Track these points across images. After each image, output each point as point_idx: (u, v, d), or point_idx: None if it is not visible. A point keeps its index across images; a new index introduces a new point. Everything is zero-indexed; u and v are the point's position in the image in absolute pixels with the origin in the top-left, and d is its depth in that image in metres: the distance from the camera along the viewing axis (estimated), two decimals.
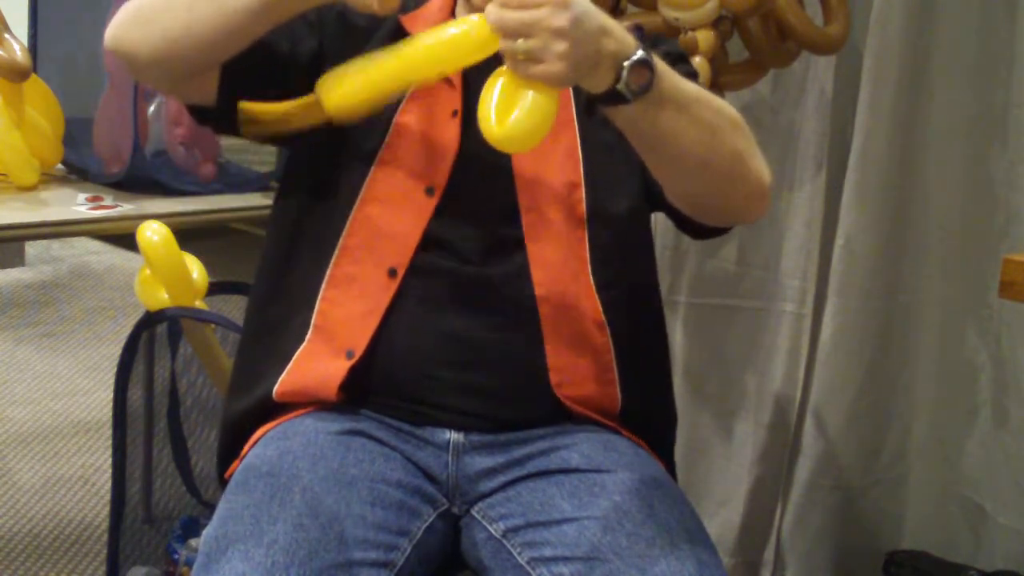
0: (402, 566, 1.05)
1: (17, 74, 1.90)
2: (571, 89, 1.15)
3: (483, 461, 1.16)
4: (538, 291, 1.17)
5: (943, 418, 1.94)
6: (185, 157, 2.08)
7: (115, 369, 1.71)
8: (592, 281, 1.19)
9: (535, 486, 1.13)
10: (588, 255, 1.19)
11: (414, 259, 1.17)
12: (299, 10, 1.11)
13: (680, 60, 1.28)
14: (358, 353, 1.15)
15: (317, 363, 1.17)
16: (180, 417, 1.83)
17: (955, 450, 1.92)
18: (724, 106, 1.09)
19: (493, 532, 1.12)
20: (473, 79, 1.15)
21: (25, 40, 2.14)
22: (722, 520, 2.07)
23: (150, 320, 1.67)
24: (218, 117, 1.20)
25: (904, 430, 1.97)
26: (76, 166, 2.13)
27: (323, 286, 1.18)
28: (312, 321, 1.18)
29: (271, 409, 1.20)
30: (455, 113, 1.20)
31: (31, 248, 4.15)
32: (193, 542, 1.71)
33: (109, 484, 1.76)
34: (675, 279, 2.05)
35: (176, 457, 1.83)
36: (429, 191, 1.18)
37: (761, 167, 1.12)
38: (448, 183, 1.18)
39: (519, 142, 0.97)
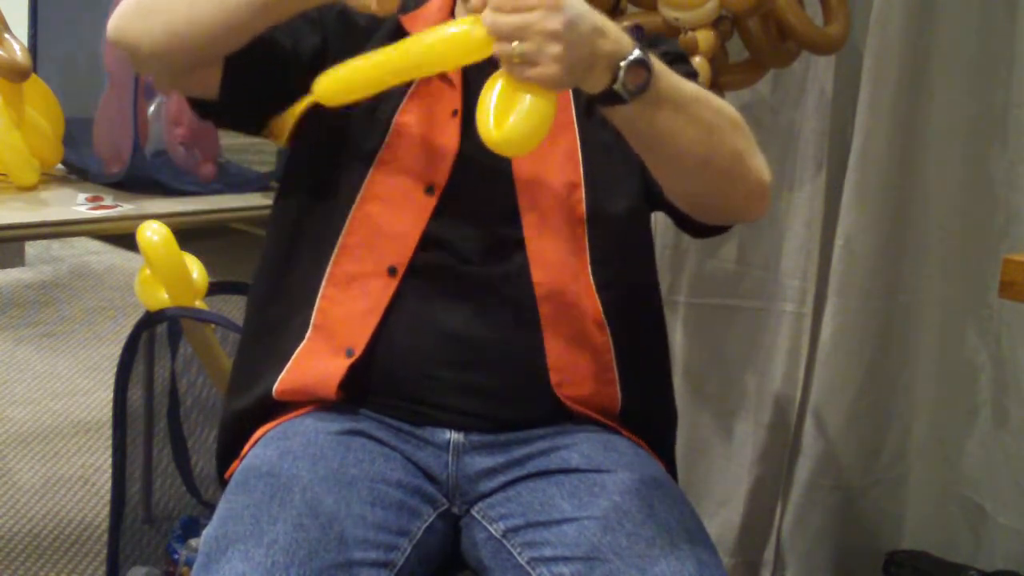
0: (402, 566, 1.05)
1: (17, 74, 1.90)
2: (571, 90, 1.15)
3: (483, 461, 1.16)
4: (538, 291, 1.17)
5: (943, 418, 1.94)
6: (185, 157, 2.08)
7: (115, 369, 1.71)
8: (592, 281, 1.19)
9: (535, 486, 1.13)
10: (588, 255, 1.19)
11: (414, 259, 1.17)
12: (300, 9, 1.11)
13: (680, 60, 1.29)
14: (358, 352, 1.15)
15: (317, 362, 1.17)
16: (180, 417, 1.83)
17: (955, 450, 1.92)
18: (723, 105, 1.09)
19: (493, 532, 1.12)
20: (473, 79, 1.15)
21: (25, 40, 2.14)
22: (722, 520, 2.07)
23: (150, 320, 1.67)
24: (220, 112, 1.20)
25: (904, 430, 1.97)
26: (76, 166, 2.13)
27: (323, 285, 1.18)
28: (312, 320, 1.18)
29: (271, 408, 1.20)
30: (455, 113, 1.20)
31: (31, 248, 4.15)
32: (193, 542, 1.71)
33: (109, 484, 1.76)
34: (675, 279, 2.05)
35: (176, 457, 1.83)
36: (429, 190, 1.18)
37: (761, 166, 1.12)
38: (448, 183, 1.18)
39: (517, 145, 0.97)
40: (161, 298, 1.64)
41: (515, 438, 1.17)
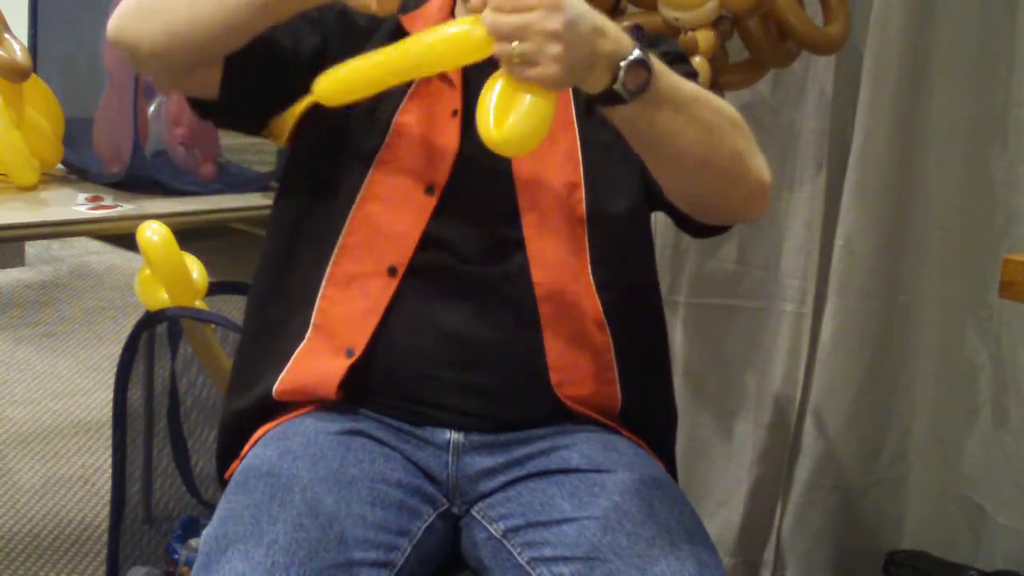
0: (402, 566, 1.05)
1: (17, 74, 1.90)
2: (571, 90, 1.15)
3: (483, 461, 1.16)
4: (538, 291, 1.17)
5: (943, 418, 1.94)
6: (185, 157, 2.08)
7: (115, 369, 1.71)
8: (592, 281, 1.19)
9: (535, 486, 1.13)
10: (588, 255, 1.19)
11: (414, 259, 1.17)
12: (300, 9, 1.11)
13: (679, 60, 1.29)
14: (358, 352, 1.15)
15: (317, 361, 1.17)
16: (180, 417, 1.83)
17: (955, 450, 1.92)
18: (723, 105, 1.09)
19: (493, 532, 1.12)
20: (473, 78, 1.15)
21: (25, 40, 2.14)
22: (722, 520, 2.07)
23: (150, 320, 1.67)
24: (220, 112, 1.20)
25: (904, 430, 1.97)
26: (76, 166, 2.13)
27: (323, 285, 1.18)
28: (312, 320, 1.18)
29: (271, 408, 1.20)
30: (455, 113, 1.20)
31: (31, 248, 4.15)
32: (193, 542, 1.70)
33: (109, 484, 1.76)
34: (675, 279, 2.05)
35: (176, 457, 1.83)
36: (429, 190, 1.18)
37: (761, 166, 1.12)
38: (448, 182, 1.18)
39: (517, 145, 0.97)
40: (161, 298, 1.64)
41: (515, 438, 1.17)
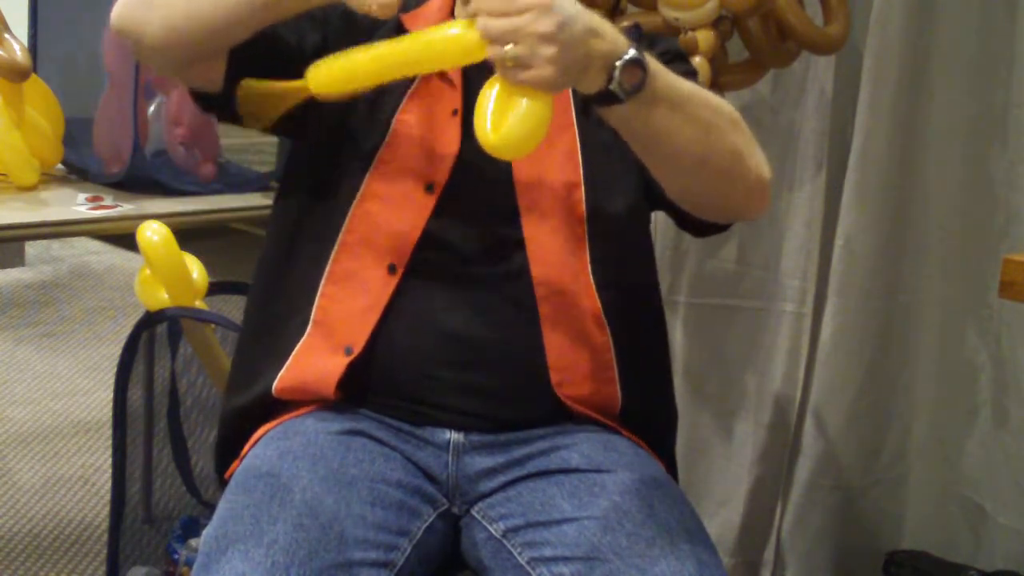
0: (402, 566, 1.05)
1: (17, 74, 1.90)
2: (571, 90, 1.15)
3: (483, 461, 1.16)
4: (538, 291, 1.17)
5: (943, 418, 1.94)
6: (185, 157, 2.08)
7: (115, 369, 1.71)
8: (592, 280, 1.19)
9: (535, 486, 1.13)
10: (588, 255, 1.19)
11: (414, 259, 1.17)
12: (300, 9, 1.11)
13: (678, 59, 1.29)
14: (357, 350, 1.15)
15: (316, 359, 1.17)
16: (180, 417, 1.83)
17: (955, 450, 1.92)
18: (721, 103, 1.09)
19: (493, 532, 1.12)
20: (474, 78, 1.15)
21: (25, 40, 2.14)
22: (722, 520, 2.07)
23: (150, 320, 1.67)
24: (222, 105, 1.20)
25: (904, 430, 1.97)
26: (76, 166, 2.13)
27: (322, 282, 1.18)
28: (312, 317, 1.18)
29: (270, 406, 1.20)
30: (455, 112, 1.20)
31: (31, 248, 4.15)
32: (193, 542, 1.71)
33: (109, 484, 1.76)
34: (675, 279, 2.05)
35: (176, 457, 1.83)
36: (429, 189, 1.18)
37: (760, 163, 1.12)
38: (448, 182, 1.18)
39: (515, 149, 0.98)
40: (161, 298, 1.64)
41: (515, 438, 1.17)
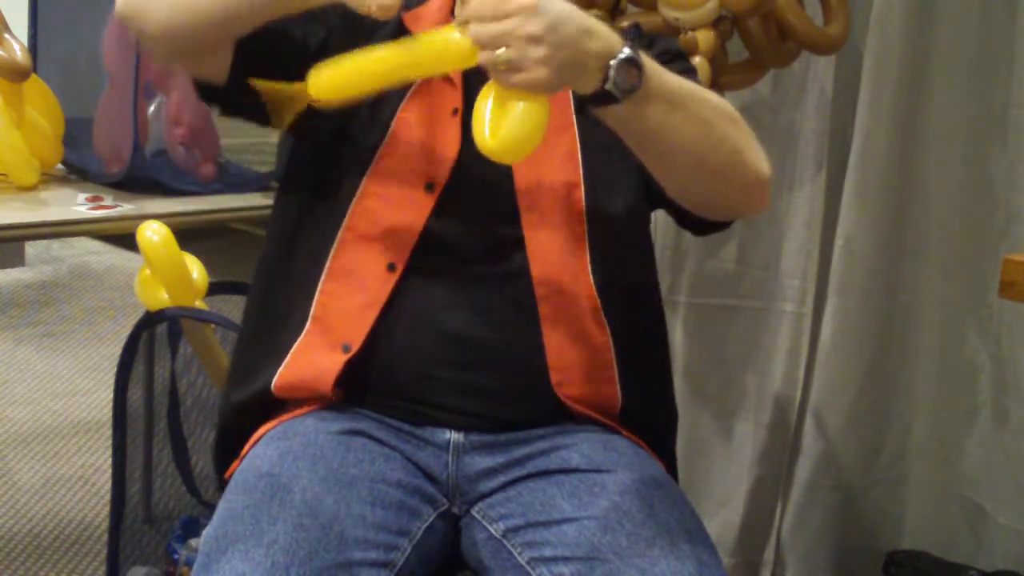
0: (402, 566, 1.05)
1: (17, 74, 1.90)
2: (572, 91, 1.15)
3: (483, 461, 1.16)
4: (538, 290, 1.17)
5: (943, 418, 1.94)
6: (185, 157, 2.08)
7: (115, 369, 1.71)
8: (592, 280, 1.19)
9: (535, 486, 1.13)
10: (588, 255, 1.19)
11: (414, 258, 1.17)
12: (299, 8, 1.11)
13: (678, 58, 1.29)
14: (355, 348, 1.15)
15: (314, 356, 1.17)
16: (180, 417, 1.83)
17: (955, 450, 1.92)
18: (718, 101, 1.09)
19: (493, 532, 1.12)
20: (474, 77, 1.15)
21: (25, 40, 2.14)
22: (722, 520, 2.07)
23: (150, 320, 1.67)
24: (225, 97, 1.19)
25: (904, 430, 1.97)
26: (76, 166, 2.13)
27: (322, 279, 1.18)
28: (311, 313, 1.18)
29: (270, 404, 1.20)
30: (456, 112, 1.20)
31: (31, 248, 4.15)
32: (193, 542, 1.71)
33: (109, 484, 1.76)
34: (675, 279, 2.05)
35: (176, 457, 1.83)
36: (429, 188, 1.18)
37: (759, 160, 1.12)
38: (448, 181, 1.18)
39: (513, 152, 0.98)
40: (161, 298, 1.64)
41: (515, 438, 1.17)
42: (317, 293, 1.18)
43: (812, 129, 1.91)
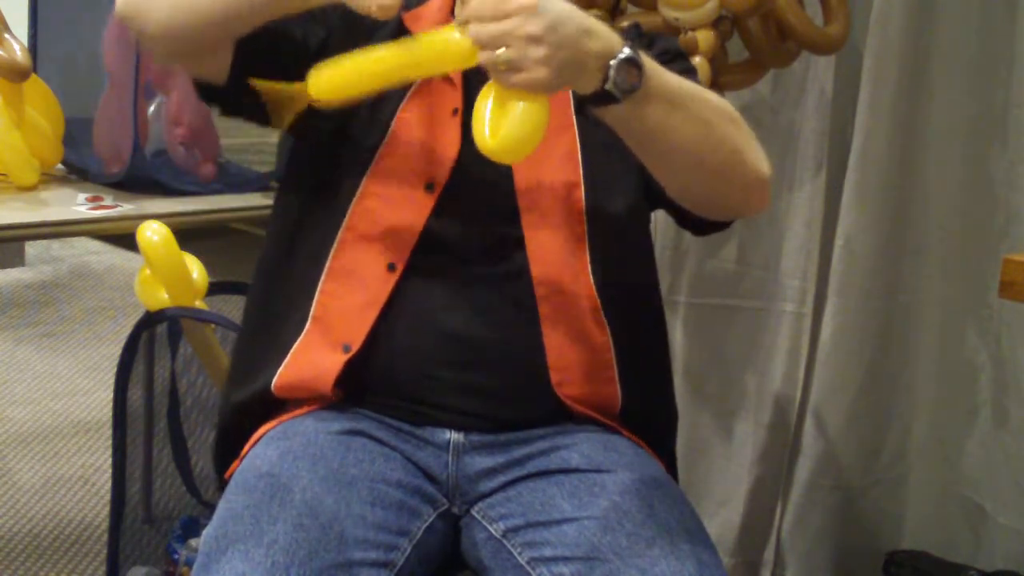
0: (402, 566, 1.05)
1: (17, 74, 1.90)
2: (572, 92, 1.15)
3: (483, 461, 1.16)
4: (538, 290, 1.17)
5: (943, 418, 1.94)
6: (185, 157, 2.08)
7: (115, 369, 1.71)
8: (592, 280, 1.19)
9: (535, 486, 1.13)
10: (588, 254, 1.19)
11: (414, 257, 1.17)
12: (299, 8, 1.11)
13: (678, 57, 1.29)
14: (355, 347, 1.15)
15: (314, 356, 1.17)
16: (180, 417, 1.83)
17: (955, 450, 1.92)
18: (718, 100, 1.09)
19: (493, 532, 1.12)
20: (474, 77, 1.15)
21: (25, 40, 2.14)
22: (722, 520, 2.07)
23: (150, 320, 1.67)
24: (225, 97, 1.19)
25: (904, 430, 1.97)
26: (76, 166, 2.13)
27: (322, 278, 1.18)
28: (311, 313, 1.18)
29: (270, 404, 1.20)
30: (456, 112, 1.20)
31: (31, 248, 4.15)
32: (193, 542, 1.71)
33: (109, 484, 1.76)
34: (675, 279, 2.05)
35: (176, 457, 1.84)
36: (429, 187, 1.18)
37: (759, 159, 1.12)
38: (448, 181, 1.18)
39: (513, 152, 0.98)
40: (161, 298, 1.64)
41: (515, 438, 1.17)
42: (317, 293, 1.18)
43: (812, 129, 1.91)
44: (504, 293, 1.17)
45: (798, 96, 1.92)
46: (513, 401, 1.17)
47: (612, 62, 0.96)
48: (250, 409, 1.21)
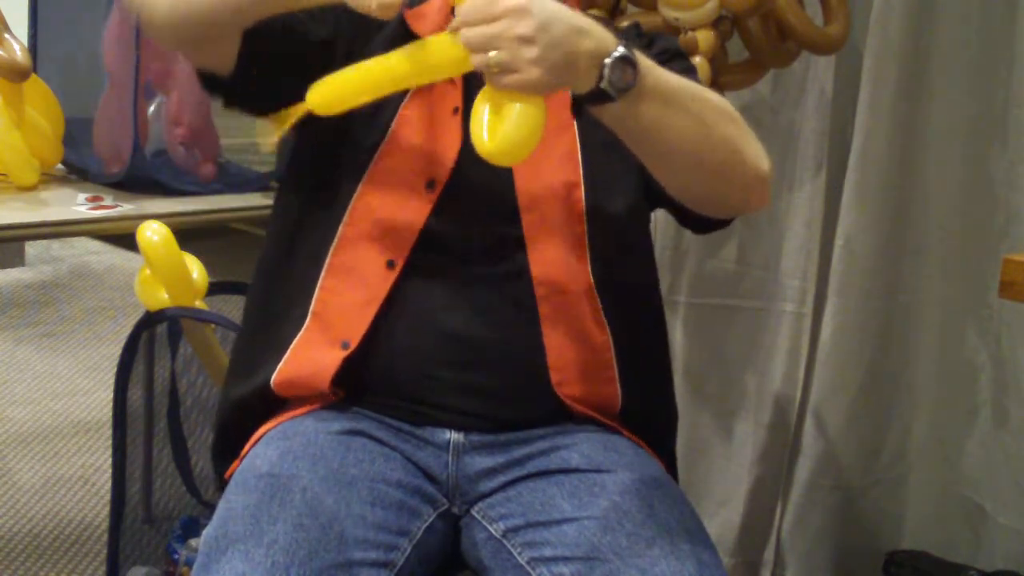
0: (402, 566, 1.05)
1: (17, 74, 1.90)
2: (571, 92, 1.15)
3: (483, 461, 1.16)
4: (538, 290, 1.17)
5: (943, 418, 1.94)
6: (185, 157, 2.08)
7: (115, 369, 1.71)
8: (592, 280, 1.19)
9: (535, 486, 1.13)
10: (588, 254, 1.19)
11: (414, 257, 1.17)
12: (298, 6, 1.11)
13: (677, 57, 1.29)
14: (353, 345, 1.15)
15: (313, 352, 1.17)
16: (180, 417, 1.83)
17: (955, 450, 1.92)
18: (715, 98, 1.09)
19: (493, 532, 1.12)
20: (474, 76, 1.15)
21: (25, 40, 2.14)
22: (722, 520, 2.07)
23: (150, 320, 1.67)
24: (229, 88, 1.19)
25: (904, 430, 1.97)
26: (76, 166, 2.13)
27: (322, 275, 1.18)
28: (311, 309, 1.18)
29: (269, 400, 1.20)
30: (456, 111, 1.20)
31: (31, 248, 4.15)
32: (193, 542, 1.71)
33: (109, 484, 1.76)
34: (675, 279, 2.05)
35: (176, 457, 1.84)
36: (429, 186, 1.18)
37: (757, 155, 1.11)
38: (448, 180, 1.18)
39: (511, 154, 0.98)
40: (161, 298, 1.64)
41: (515, 438, 1.17)
42: (317, 290, 1.18)
43: (812, 129, 1.91)
44: (504, 293, 1.17)
45: (798, 96, 1.92)
46: (513, 401, 1.17)
47: (606, 60, 0.96)
48: (249, 405, 1.21)
